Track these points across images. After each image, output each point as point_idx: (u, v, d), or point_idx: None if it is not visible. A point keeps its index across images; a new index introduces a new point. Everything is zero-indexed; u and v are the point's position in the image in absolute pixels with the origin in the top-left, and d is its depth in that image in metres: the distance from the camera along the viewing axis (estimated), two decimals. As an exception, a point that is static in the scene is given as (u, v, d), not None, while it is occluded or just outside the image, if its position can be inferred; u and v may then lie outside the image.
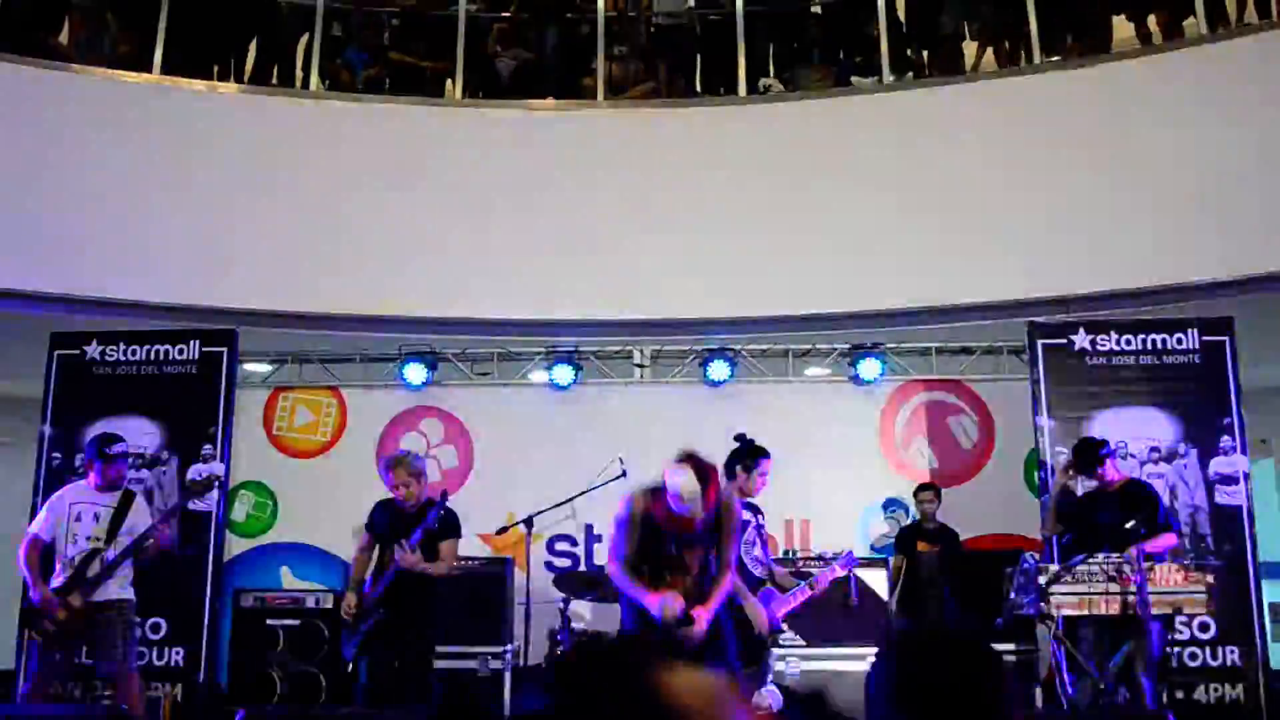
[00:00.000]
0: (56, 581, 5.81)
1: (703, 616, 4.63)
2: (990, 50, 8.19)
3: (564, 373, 8.30)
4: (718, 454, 4.96)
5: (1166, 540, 6.00)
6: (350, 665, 5.98)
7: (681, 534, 4.66)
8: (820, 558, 7.36)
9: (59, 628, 5.72)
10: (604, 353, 8.46)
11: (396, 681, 5.67)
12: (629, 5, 8.64)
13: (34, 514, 7.30)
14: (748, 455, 5.77)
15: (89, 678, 6.58)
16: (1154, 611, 5.58)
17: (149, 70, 7.80)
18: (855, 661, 6.95)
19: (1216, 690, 6.91)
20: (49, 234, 7.34)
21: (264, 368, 8.61)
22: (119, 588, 5.84)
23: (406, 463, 5.89)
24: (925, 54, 8.34)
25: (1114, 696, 5.76)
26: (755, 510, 5.84)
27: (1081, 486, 6.60)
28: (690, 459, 4.53)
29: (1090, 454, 6.25)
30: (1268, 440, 9.52)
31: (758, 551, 5.82)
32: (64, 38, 8.10)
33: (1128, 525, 5.90)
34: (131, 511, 5.95)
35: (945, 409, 8.48)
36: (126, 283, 7.44)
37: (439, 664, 6.67)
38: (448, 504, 5.80)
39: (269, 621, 7.29)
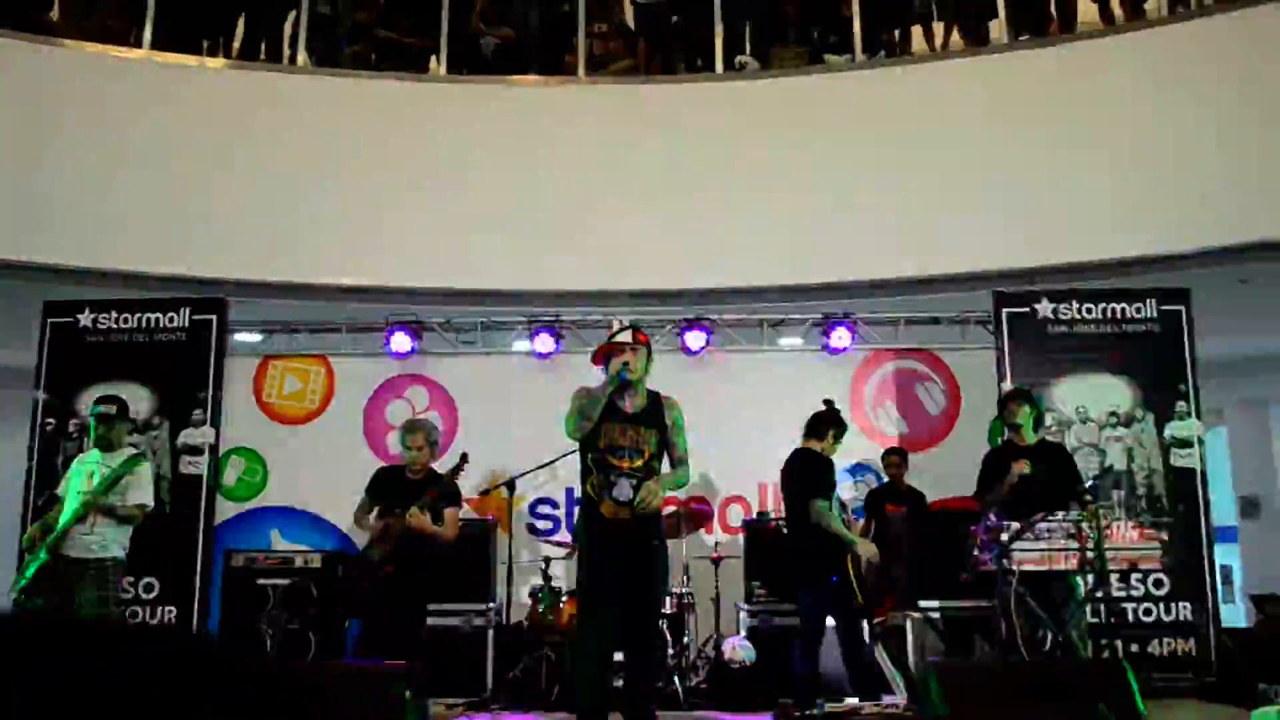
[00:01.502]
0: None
1: (654, 486, 4.75)
2: (958, 30, 8.41)
3: (545, 341, 8.54)
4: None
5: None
6: (345, 622, 6.14)
7: (626, 404, 4.86)
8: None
9: (38, 574, 5.74)
10: (584, 322, 8.68)
11: (393, 638, 5.83)
12: (609, -16, 8.82)
13: (28, 478, 7.54)
14: (840, 421, 6.36)
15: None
16: (1110, 568, 5.82)
17: (139, 46, 7.97)
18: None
19: (1169, 644, 7.22)
20: (42, 206, 7.48)
21: (254, 337, 8.79)
22: (99, 547, 5.82)
23: (426, 430, 6.03)
24: (897, 33, 8.55)
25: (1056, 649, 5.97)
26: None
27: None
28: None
29: (1006, 401, 6.48)
30: (1221, 411, 9.84)
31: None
32: (55, 14, 8.25)
33: (1089, 482, 6.15)
34: (134, 476, 5.95)
35: (913, 376, 8.77)
36: (118, 253, 7.58)
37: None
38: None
39: (259, 581, 7.46)
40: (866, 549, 6.07)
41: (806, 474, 6.19)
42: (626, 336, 4.98)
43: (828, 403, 6.48)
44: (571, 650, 6.19)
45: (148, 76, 7.86)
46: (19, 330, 7.95)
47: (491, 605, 7.35)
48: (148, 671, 1.33)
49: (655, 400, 4.96)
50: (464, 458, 5.97)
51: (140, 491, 6.00)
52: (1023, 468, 6.05)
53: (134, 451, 6.20)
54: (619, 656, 5.06)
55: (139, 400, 7.57)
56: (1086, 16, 8.25)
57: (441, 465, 6.10)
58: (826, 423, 6.33)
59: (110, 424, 6.08)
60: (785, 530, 6.60)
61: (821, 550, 6.06)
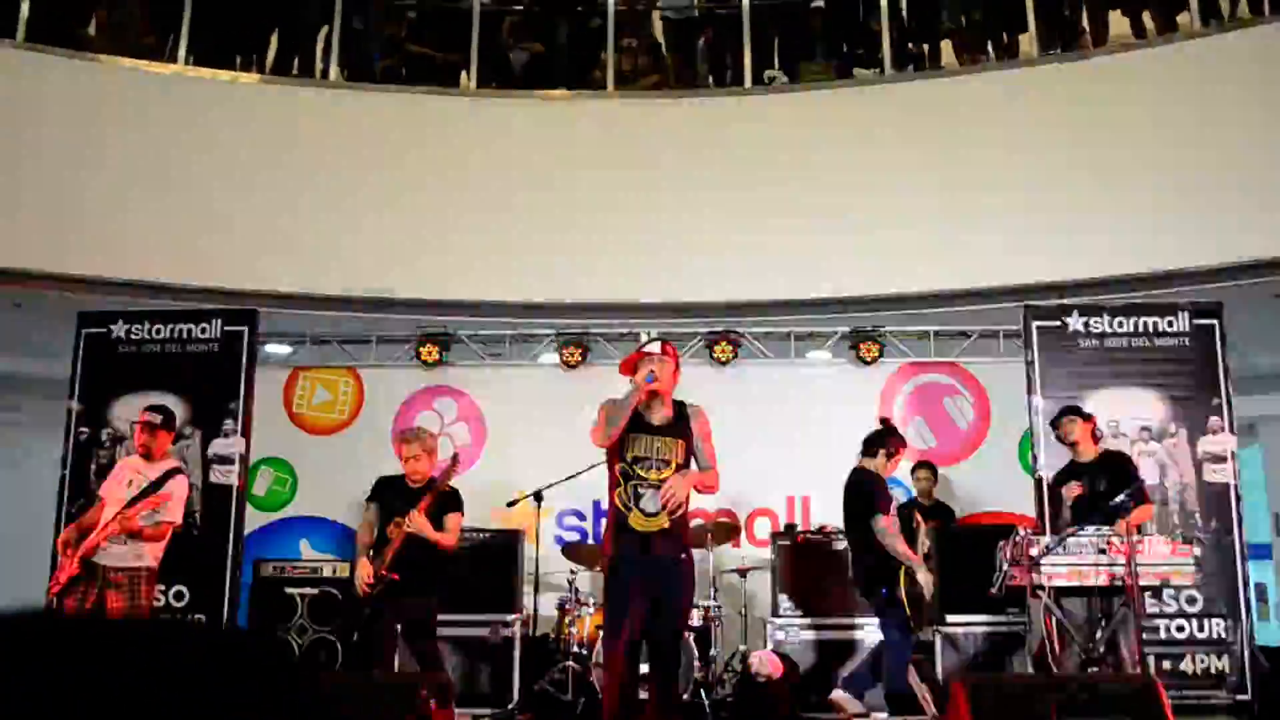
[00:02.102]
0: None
1: (677, 480, 4.76)
2: (989, 43, 8.40)
3: (573, 353, 8.57)
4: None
5: (1146, 512, 6.19)
6: (355, 633, 6.16)
7: (653, 415, 4.87)
8: (821, 530, 7.64)
9: (67, 583, 5.81)
10: (611, 334, 8.70)
11: (401, 645, 5.86)
12: (638, -1, 8.88)
13: (61, 485, 7.62)
14: (899, 439, 6.48)
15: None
16: (1142, 583, 5.76)
17: (174, 61, 8.09)
18: (853, 631, 7.20)
19: (1202, 661, 7.10)
20: (78, 218, 7.60)
21: (284, 348, 8.87)
22: (135, 556, 5.89)
23: (422, 438, 6.08)
24: (925, 47, 8.54)
25: (1102, 665, 5.93)
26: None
27: (1049, 470, 6.77)
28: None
29: (1059, 418, 6.44)
30: (1254, 426, 9.72)
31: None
32: (92, 30, 8.38)
33: (1119, 498, 6.09)
34: (169, 489, 5.96)
35: (942, 390, 8.72)
36: (151, 265, 7.68)
37: (452, 631, 6.98)
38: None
39: (287, 590, 7.54)
40: (925, 576, 6.14)
41: (859, 493, 6.35)
42: (655, 348, 4.99)
43: (883, 421, 6.62)
44: (598, 662, 6.18)
45: (182, 91, 7.97)
46: (54, 341, 8.04)
47: (518, 616, 7.36)
48: (167, 671, 1.34)
49: (681, 410, 4.97)
50: (454, 459, 6.03)
51: (172, 510, 6.04)
52: (1075, 492, 6.01)
53: (172, 464, 6.22)
54: (645, 668, 5.05)
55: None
56: (1118, 30, 8.21)
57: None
58: (876, 441, 6.45)
59: (153, 432, 6.14)
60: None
61: (876, 565, 6.18)
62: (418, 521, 5.74)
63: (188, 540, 6.61)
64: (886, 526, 6.16)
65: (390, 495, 5.96)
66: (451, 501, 5.98)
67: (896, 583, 6.12)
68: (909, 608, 6.11)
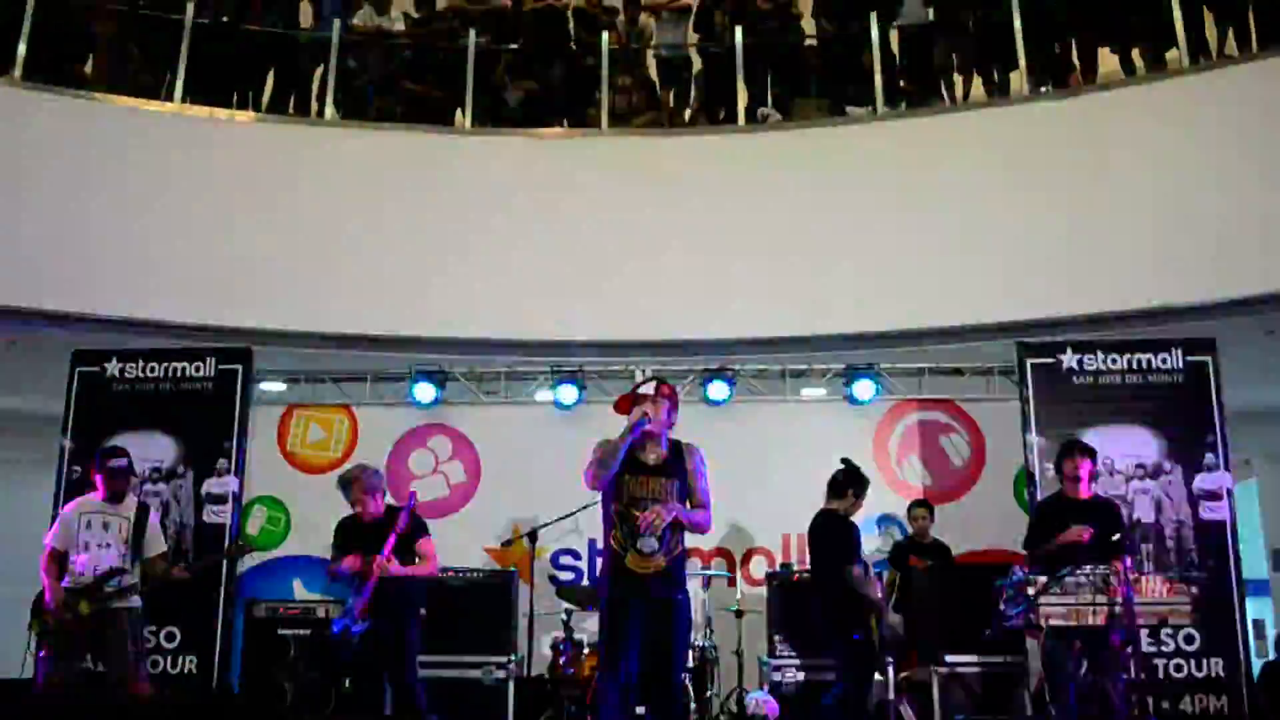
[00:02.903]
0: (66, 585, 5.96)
1: (663, 512, 4.71)
2: (980, 81, 8.46)
3: (568, 392, 8.56)
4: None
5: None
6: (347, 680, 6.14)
7: (648, 455, 4.84)
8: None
9: (67, 633, 5.87)
10: (607, 373, 8.69)
11: (384, 690, 5.84)
12: (632, 38, 8.94)
13: (53, 524, 7.56)
14: (861, 480, 6.44)
15: (101, 684, 6.75)
16: (1140, 623, 5.72)
17: (169, 99, 8.11)
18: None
19: (1201, 701, 7.07)
20: (73, 256, 7.59)
21: (278, 386, 8.84)
22: (126, 599, 5.97)
23: (361, 482, 6.05)
24: (918, 85, 8.59)
25: (1091, 705, 5.88)
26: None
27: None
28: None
29: (1069, 448, 6.40)
30: (1250, 461, 9.72)
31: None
32: (89, 68, 8.42)
33: (1114, 538, 6.06)
34: (149, 526, 6.11)
35: (938, 428, 8.72)
36: (147, 303, 7.67)
37: (445, 673, 6.93)
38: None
39: (280, 631, 7.47)
40: (894, 618, 6.12)
41: (830, 539, 6.31)
42: (650, 388, 4.98)
43: (845, 461, 6.50)
44: (593, 703, 6.13)
45: (178, 130, 7.99)
46: (47, 378, 8.02)
47: (512, 657, 7.30)
48: None
49: (676, 449, 4.95)
50: (411, 497, 6.11)
51: (159, 541, 6.19)
52: (1083, 537, 5.94)
53: (136, 501, 6.26)
54: (641, 710, 5.01)
55: (164, 449, 7.65)
56: (1107, 67, 8.28)
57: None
58: (844, 483, 6.42)
59: (126, 477, 6.19)
60: (812, 588, 6.59)
61: (847, 608, 6.13)
62: (389, 567, 5.74)
63: (179, 581, 6.55)
64: (859, 574, 6.15)
65: (353, 536, 5.98)
66: (415, 531, 5.97)
67: (869, 626, 6.13)
68: (879, 649, 6.14)
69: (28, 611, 6.50)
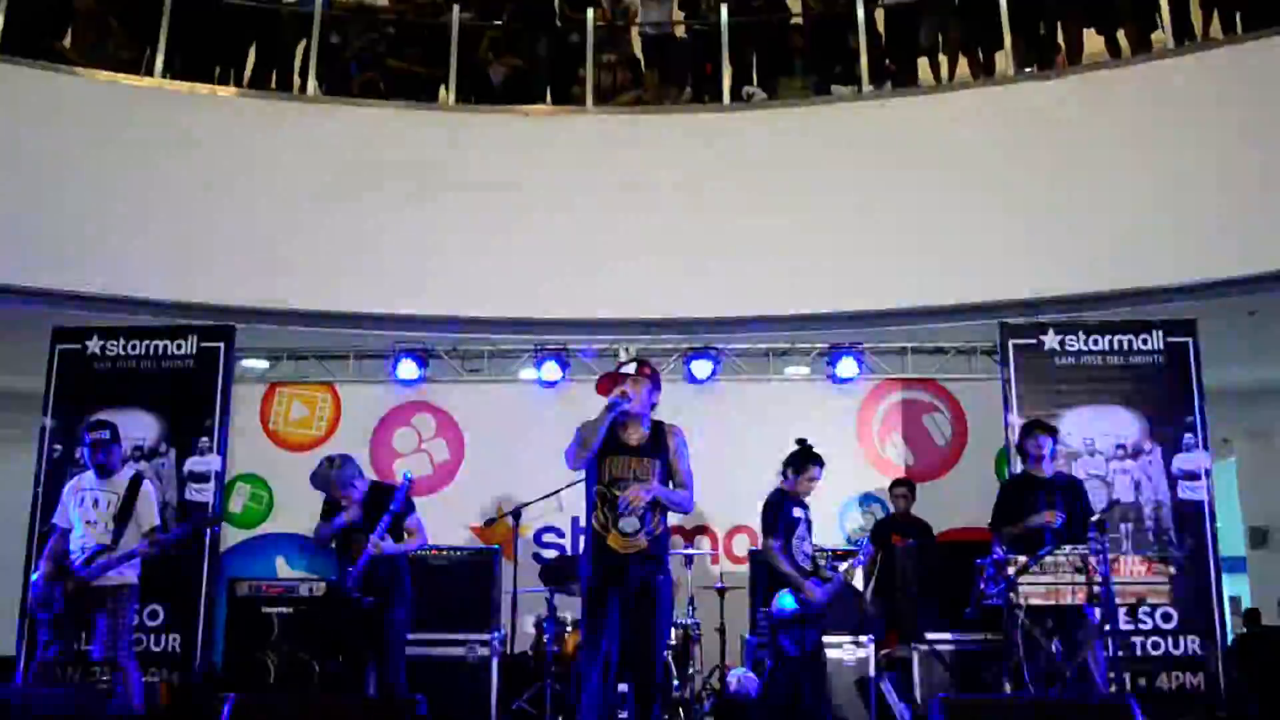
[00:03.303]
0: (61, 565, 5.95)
1: (642, 492, 4.76)
2: (965, 61, 8.45)
3: (552, 370, 8.56)
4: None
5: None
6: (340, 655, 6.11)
7: (629, 436, 4.87)
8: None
9: (58, 613, 5.85)
10: (590, 351, 8.69)
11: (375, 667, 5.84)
12: (617, 15, 8.88)
13: (34, 503, 7.54)
14: (799, 459, 6.29)
15: (87, 663, 6.75)
16: (1117, 602, 5.78)
17: (150, 74, 8.02)
18: (833, 649, 7.18)
19: (1178, 678, 7.16)
20: (53, 232, 7.52)
21: (261, 363, 8.82)
22: (118, 574, 5.93)
23: (333, 482, 5.93)
24: (903, 64, 8.58)
25: (1075, 681, 5.93)
26: (804, 508, 6.27)
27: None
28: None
29: (1029, 431, 6.44)
30: (1229, 440, 9.81)
31: (807, 546, 6.24)
32: (68, 42, 8.32)
33: (1096, 515, 6.09)
34: (139, 498, 6.02)
35: (920, 407, 8.77)
36: (128, 279, 7.61)
37: (428, 651, 6.95)
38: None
39: (264, 609, 7.44)
40: (809, 594, 6.06)
41: (764, 513, 6.29)
42: (631, 368, 4.99)
43: (799, 441, 6.46)
44: (576, 681, 6.16)
45: (159, 104, 7.90)
46: (27, 356, 7.97)
47: (495, 635, 7.32)
48: None
49: (658, 429, 4.98)
50: (406, 478, 6.02)
51: (151, 514, 6.08)
52: (1052, 520, 5.99)
53: (132, 473, 6.19)
54: (624, 687, 5.04)
55: (146, 427, 7.61)
56: (1092, 48, 8.28)
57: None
58: (788, 460, 6.38)
59: (108, 449, 6.10)
60: None
61: (771, 584, 6.18)
62: (381, 545, 5.72)
63: (163, 559, 6.53)
64: (771, 548, 6.14)
65: (339, 525, 5.91)
66: (406, 509, 5.94)
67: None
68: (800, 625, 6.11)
69: (13, 592, 6.53)
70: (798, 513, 6.22)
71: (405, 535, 5.95)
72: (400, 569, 5.92)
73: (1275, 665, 7.80)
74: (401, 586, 5.91)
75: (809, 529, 6.27)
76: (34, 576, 6.13)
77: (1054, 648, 5.83)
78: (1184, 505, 7.38)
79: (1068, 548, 5.79)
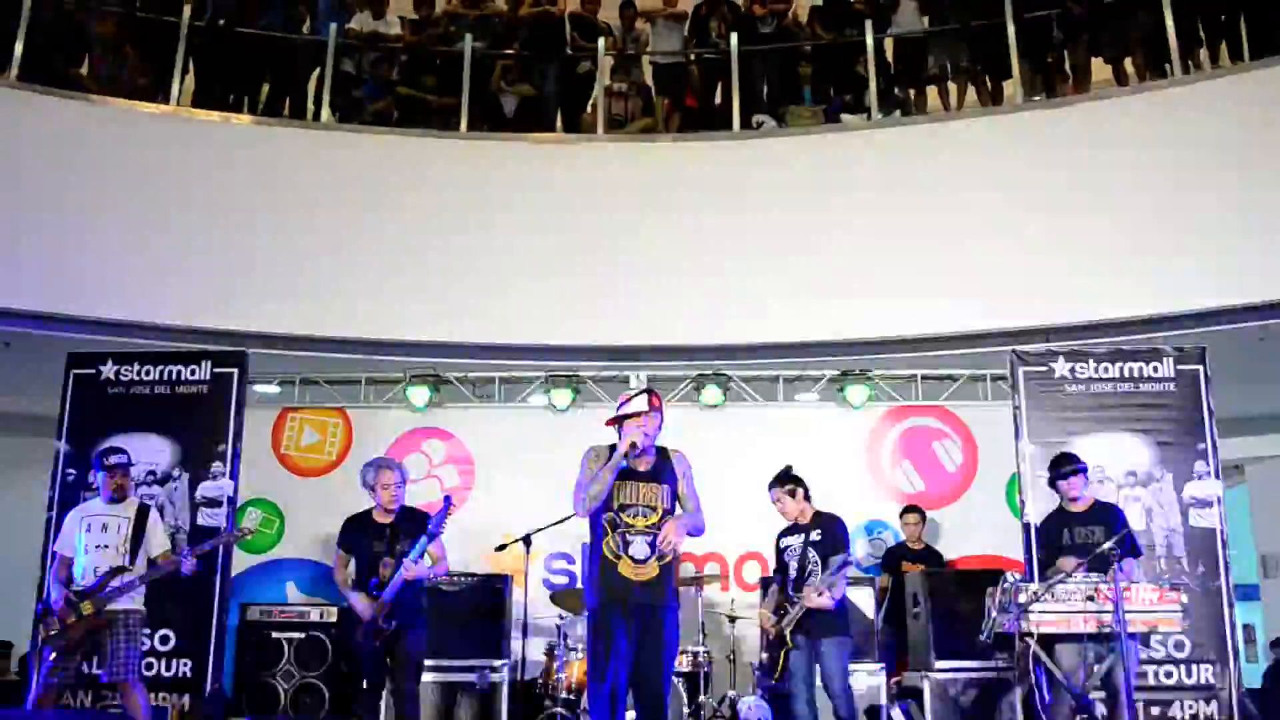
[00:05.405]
0: (69, 590, 5.98)
1: (672, 526, 4.76)
2: (973, 90, 8.49)
3: (562, 396, 8.58)
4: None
5: (1131, 563, 6.17)
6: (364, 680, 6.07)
7: (637, 463, 4.85)
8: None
9: (68, 635, 5.88)
10: (601, 377, 8.71)
11: (390, 692, 5.81)
12: (628, 44, 8.96)
13: (48, 527, 7.56)
14: (777, 485, 6.41)
15: (97, 686, 6.76)
16: (1130, 630, 5.75)
17: (166, 102, 8.12)
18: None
19: (1191, 707, 7.09)
20: (69, 258, 7.60)
21: (273, 388, 8.86)
22: (129, 599, 5.99)
23: (395, 467, 6.01)
24: (912, 93, 8.63)
25: (1091, 712, 5.91)
26: (800, 532, 6.34)
27: (1037, 515, 6.78)
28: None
29: (1060, 465, 6.43)
30: (1241, 467, 9.75)
31: (793, 570, 6.25)
32: (85, 70, 8.42)
33: (1105, 545, 6.07)
34: (148, 527, 6.11)
35: (930, 434, 8.75)
36: (142, 305, 7.68)
37: (439, 676, 6.95)
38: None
39: (274, 634, 7.48)
40: (761, 616, 6.28)
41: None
42: (642, 404, 4.96)
43: (787, 468, 6.50)
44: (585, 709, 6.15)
45: (175, 132, 8.00)
46: (42, 380, 8.01)
47: (506, 661, 7.31)
48: None
49: (664, 455, 4.98)
50: (448, 502, 5.90)
51: (161, 540, 6.17)
52: (1069, 570, 5.96)
53: (137, 501, 6.28)
54: (631, 716, 5.03)
55: (159, 452, 7.61)
56: (1100, 76, 8.32)
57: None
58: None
59: (126, 474, 6.21)
60: None
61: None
62: (414, 570, 5.67)
63: (174, 583, 6.55)
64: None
65: (361, 534, 5.88)
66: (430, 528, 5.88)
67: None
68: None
69: (22, 618, 6.53)
70: (784, 542, 6.31)
71: (430, 559, 5.85)
72: (421, 593, 5.89)
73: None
74: (421, 614, 5.86)
75: (803, 548, 6.25)
76: (46, 599, 6.15)
77: (1080, 675, 5.78)
78: (1196, 533, 7.33)
79: (1079, 575, 5.78)
